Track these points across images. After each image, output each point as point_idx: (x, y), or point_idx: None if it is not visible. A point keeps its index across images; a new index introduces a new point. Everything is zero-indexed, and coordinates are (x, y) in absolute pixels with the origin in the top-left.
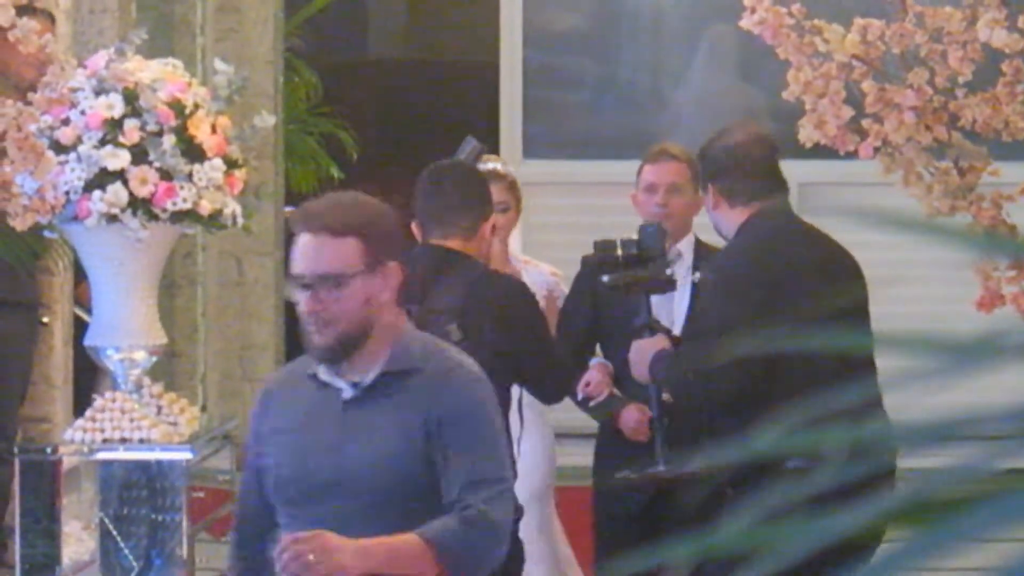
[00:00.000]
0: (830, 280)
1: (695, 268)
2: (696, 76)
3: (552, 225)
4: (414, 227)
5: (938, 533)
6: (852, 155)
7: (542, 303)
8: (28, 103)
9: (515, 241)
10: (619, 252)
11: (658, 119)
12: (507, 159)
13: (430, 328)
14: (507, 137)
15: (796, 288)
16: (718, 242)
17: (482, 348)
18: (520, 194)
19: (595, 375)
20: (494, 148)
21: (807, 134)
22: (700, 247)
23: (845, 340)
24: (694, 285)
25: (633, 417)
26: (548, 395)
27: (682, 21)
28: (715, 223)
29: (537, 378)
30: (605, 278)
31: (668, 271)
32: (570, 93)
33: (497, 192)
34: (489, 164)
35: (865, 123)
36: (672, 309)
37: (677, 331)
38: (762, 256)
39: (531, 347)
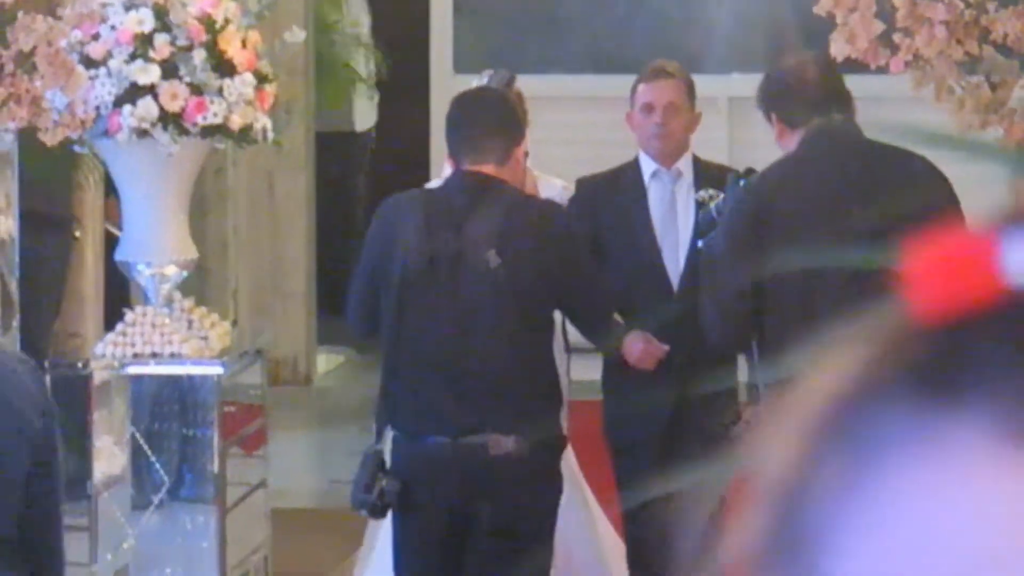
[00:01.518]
0: (873, 196)
1: (696, 186)
2: None
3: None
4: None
5: None
6: (883, 70)
7: None
8: (58, 18)
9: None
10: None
11: (689, 37)
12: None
13: (467, 257)
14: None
15: (825, 205)
16: (717, 159)
17: (521, 274)
18: (526, 108)
19: None
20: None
21: (838, 48)
22: (699, 164)
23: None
24: (697, 203)
25: (638, 346)
26: (590, 320)
27: None
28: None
29: (578, 301)
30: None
31: None
32: (603, 9)
33: None
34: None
35: (896, 37)
36: (676, 230)
37: (683, 252)
38: (803, 162)
39: (570, 270)
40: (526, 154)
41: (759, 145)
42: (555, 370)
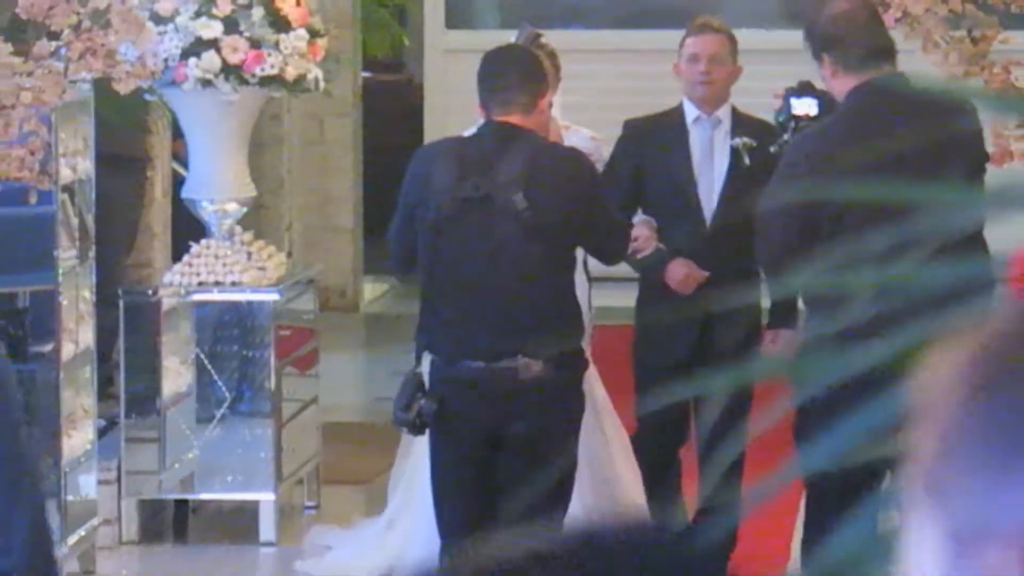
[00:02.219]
0: (924, 148)
1: (733, 134)
2: None
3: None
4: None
5: None
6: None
7: None
8: None
9: (556, 107)
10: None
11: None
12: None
13: (495, 199)
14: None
15: (875, 139)
16: (753, 111)
17: (546, 214)
18: (559, 63)
19: (643, 231)
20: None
21: (836, 7)
22: (737, 115)
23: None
24: (733, 149)
25: (680, 271)
26: (608, 254)
27: None
28: (832, 92)
29: (598, 239)
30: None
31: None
32: None
33: None
34: (529, 32)
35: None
36: (712, 171)
37: (717, 192)
38: (851, 114)
39: (591, 211)
40: (550, 104)
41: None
42: (577, 301)
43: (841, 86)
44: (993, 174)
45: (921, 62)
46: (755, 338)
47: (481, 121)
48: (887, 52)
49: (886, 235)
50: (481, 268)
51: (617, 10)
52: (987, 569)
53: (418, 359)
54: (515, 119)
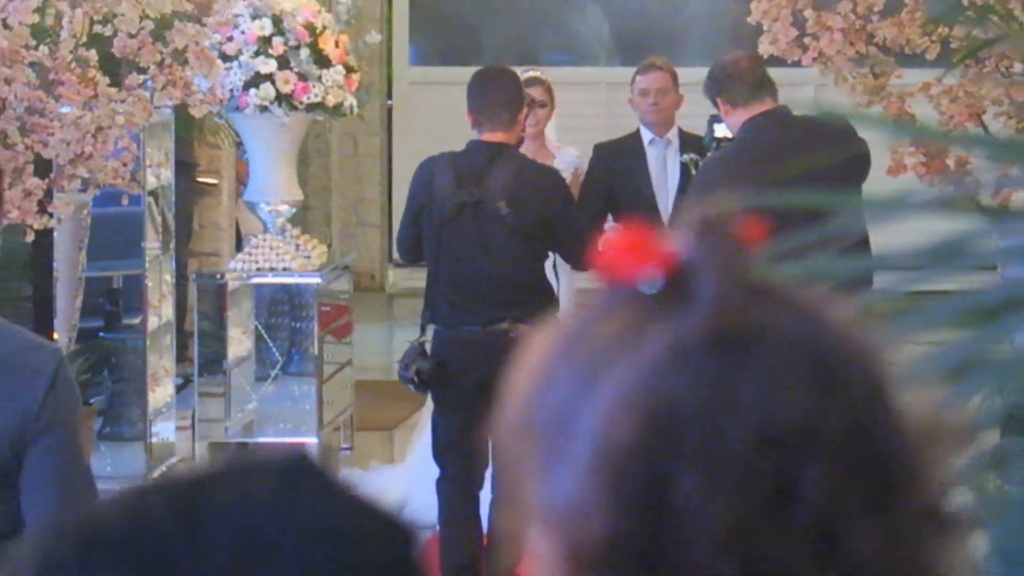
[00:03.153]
0: (808, 151)
1: (681, 151)
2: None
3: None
4: (469, 117)
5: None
6: (797, 64)
7: (570, 177)
8: (203, 25)
9: (551, 130)
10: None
11: (672, 31)
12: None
13: (485, 205)
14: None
15: (776, 158)
16: (696, 131)
17: (524, 217)
18: (554, 94)
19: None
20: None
21: (764, 48)
22: (683, 134)
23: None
24: (683, 164)
25: None
26: (573, 260)
27: None
28: (728, 127)
29: (565, 245)
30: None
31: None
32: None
33: (538, 93)
34: (531, 72)
35: (807, 40)
36: (667, 182)
37: (671, 199)
38: (749, 139)
39: (563, 219)
40: (538, 120)
41: (629, 115)
42: (548, 282)
43: (735, 121)
44: (893, 183)
45: (833, 93)
46: None
47: (473, 132)
48: (767, 88)
49: (793, 238)
50: (474, 257)
51: (597, 48)
52: (537, 540)
53: (422, 330)
54: (499, 136)
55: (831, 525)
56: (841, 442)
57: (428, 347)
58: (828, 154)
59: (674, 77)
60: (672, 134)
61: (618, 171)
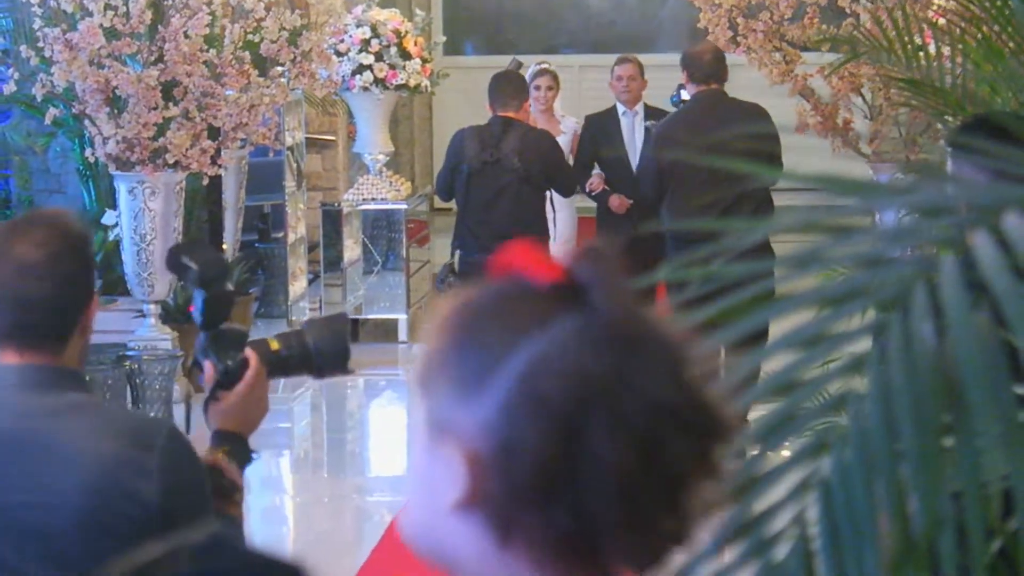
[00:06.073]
0: (730, 124)
1: (645, 119)
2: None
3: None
4: (488, 108)
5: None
6: (732, 55)
7: (572, 139)
8: (323, 31)
9: (558, 104)
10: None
11: (649, 27)
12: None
13: (502, 160)
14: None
15: (704, 126)
16: (659, 105)
17: (531, 168)
18: (559, 78)
19: (595, 180)
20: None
21: (699, 45)
22: (647, 108)
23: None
24: (646, 128)
25: (616, 201)
26: (564, 191)
27: None
28: (688, 94)
29: (559, 182)
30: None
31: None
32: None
33: (546, 80)
34: (542, 65)
35: (739, 39)
36: (635, 143)
37: (637, 156)
38: (689, 109)
39: (556, 166)
40: (548, 100)
41: (603, 96)
42: (544, 218)
43: (691, 91)
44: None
45: (756, 74)
46: (660, 252)
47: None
48: (717, 74)
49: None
50: (493, 200)
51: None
52: (443, 456)
53: (452, 254)
54: (510, 113)
55: (677, 471)
56: (687, 418)
57: (456, 266)
58: (742, 128)
59: (641, 67)
60: (639, 108)
61: (601, 135)
